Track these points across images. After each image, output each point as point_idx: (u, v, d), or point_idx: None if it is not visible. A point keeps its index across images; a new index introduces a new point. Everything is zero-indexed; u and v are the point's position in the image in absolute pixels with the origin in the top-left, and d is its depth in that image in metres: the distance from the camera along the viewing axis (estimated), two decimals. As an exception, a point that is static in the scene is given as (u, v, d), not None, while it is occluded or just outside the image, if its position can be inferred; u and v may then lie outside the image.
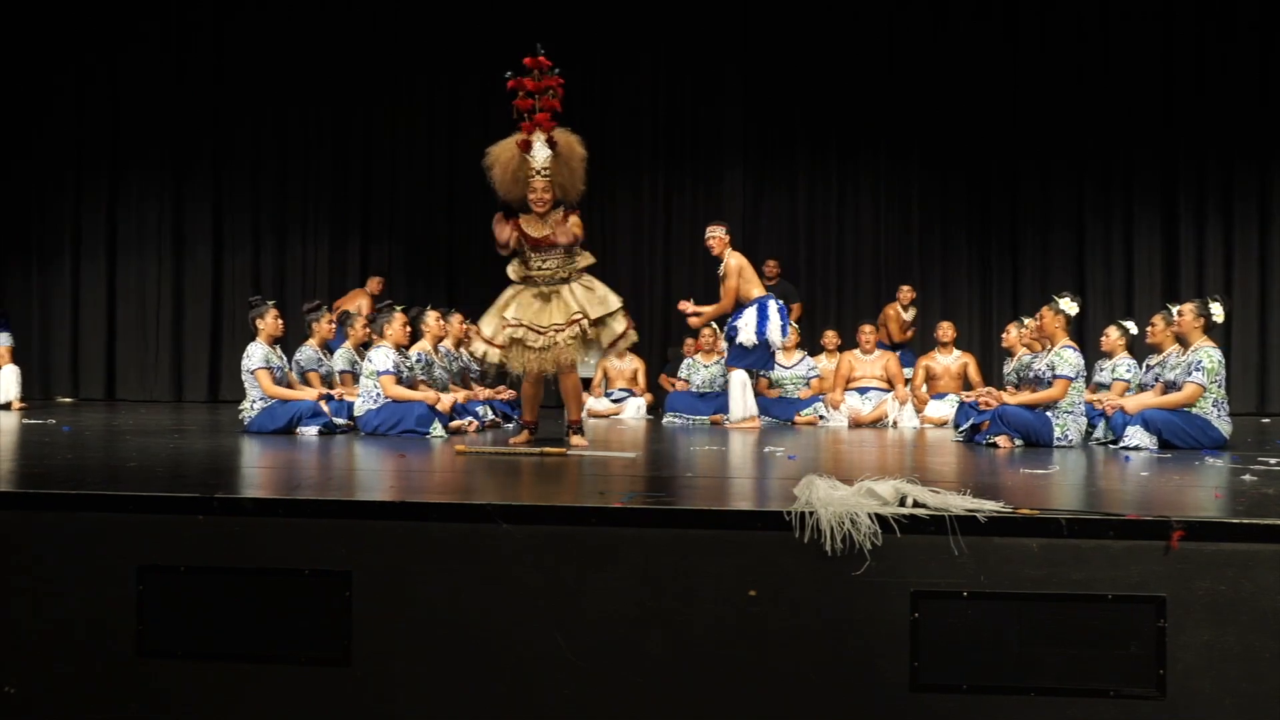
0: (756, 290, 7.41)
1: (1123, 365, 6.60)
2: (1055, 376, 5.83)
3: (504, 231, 5.18)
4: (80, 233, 10.98)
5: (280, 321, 6.56)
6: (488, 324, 5.30)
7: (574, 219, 5.17)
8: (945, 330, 8.35)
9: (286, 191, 10.91)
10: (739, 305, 7.37)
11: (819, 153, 10.54)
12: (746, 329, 7.26)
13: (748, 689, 2.82)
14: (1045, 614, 2.75)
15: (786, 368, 8.40)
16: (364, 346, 6.94)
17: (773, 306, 7.37)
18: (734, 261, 7.40)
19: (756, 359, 7.42)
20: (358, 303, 9.49)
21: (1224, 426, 5.57)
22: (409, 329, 6.73)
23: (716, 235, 7.45)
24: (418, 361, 6.80)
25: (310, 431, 6.06)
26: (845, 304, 10.39)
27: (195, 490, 3.17)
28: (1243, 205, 9.96)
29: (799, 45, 10.35)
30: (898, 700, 2.78)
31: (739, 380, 7.40)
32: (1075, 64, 10.01)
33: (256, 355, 6.33)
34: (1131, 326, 6.87)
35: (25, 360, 9.98)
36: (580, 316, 5.11)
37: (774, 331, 7.32)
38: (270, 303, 6.64)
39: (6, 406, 8.47)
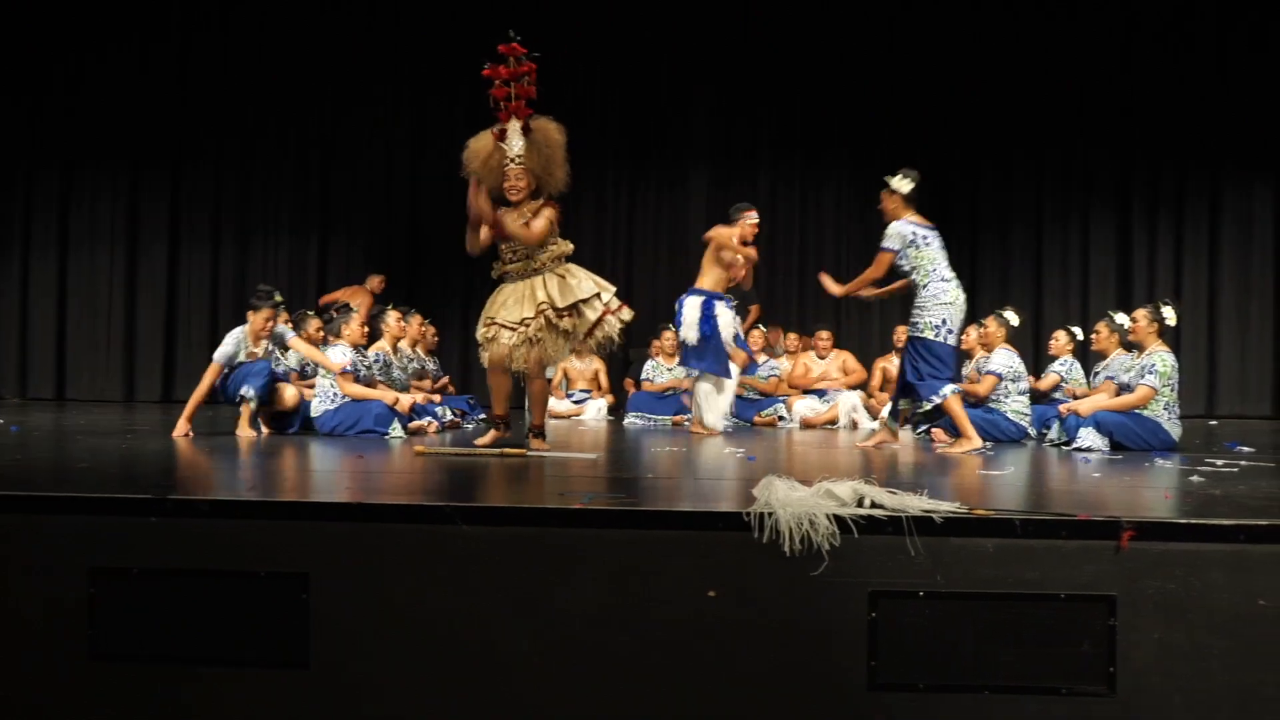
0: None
1: (1073, 367, 6.84)
2: (986, 373, 6.53)
3: (476, 225, 4.99)
4: (30, 229, 10.76)
5: (270, 324, 6.23)
6: (478, 327, 5.12)
7: (547, 212, 5.03)
8: (901, 335, 8.43)
9: (248, 190, 10.77)
10: (708, 296, 6.84)
11: (781, 153, 10.59)
12: (729, 325, 6.92)
13: (707, 689, 2.83)
14: (1000, 613, 2.79)
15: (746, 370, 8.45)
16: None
17: None
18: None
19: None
20: (356, 301, 9.30)
21: (1174, 429, 5.68)
22: (366, 330, 6.67)
23: None
24: (375, 361, 6.75)
25: (249, 392, 5.93)
26: (806, 306, 10.45)
27: (148, 491, 3.12)
28: (1193, 211, 10.18)
29: (762, 46, 10.41)
30: (855, 699, 2.80)
31: (732, 385, 7.05)
32: (1035, 67, 10.15)
33: (227, 343, 6.14)
34: (1078, 332, 7.12)
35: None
36: (545, 307, 4.94)
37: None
38: (271, 303, 6.23)
39: None
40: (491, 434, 5.21)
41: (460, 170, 5.09)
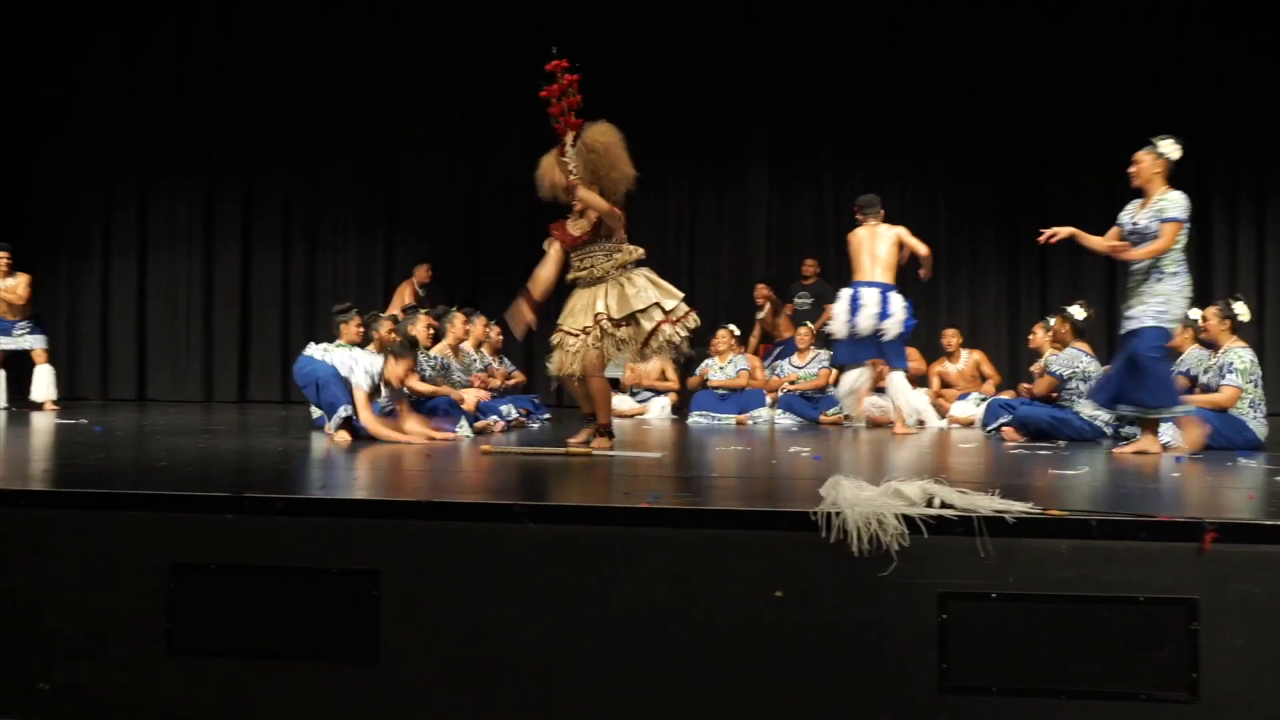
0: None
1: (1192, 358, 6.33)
2: (1049, 373, 6.57)
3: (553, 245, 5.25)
4: (110, 231, 11.08)
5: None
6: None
7: (589, 213, 5.13)
8: (950, 339, 8.39)
9: (317, 192, 10.97)
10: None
11: (843, 151, 10.48)
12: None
13: (774, 691, 2.81)
14: (1075, 616, 2.72)
15: (799, 367, 8.48)
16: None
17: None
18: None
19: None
20: (401, 292, 9.47)
21: (1259, 428, 5.49)
22: (433, 331, 6.75)
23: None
24: (435, 363, 6.79)
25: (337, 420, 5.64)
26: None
27: (226, 489, 3.20)
28: (1275, 204, 9.85)
29: (822, 44, 10.31)
30: (926, 702, 2.76)
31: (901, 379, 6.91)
32: (1104, 62, 9.90)
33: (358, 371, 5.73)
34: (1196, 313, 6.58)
35: (53, 360, 10.12)
36: (602, 318, 5.02)
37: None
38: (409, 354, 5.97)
39: (39, 406, 8.58)
40: (585, 431, 5.18)
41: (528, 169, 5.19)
